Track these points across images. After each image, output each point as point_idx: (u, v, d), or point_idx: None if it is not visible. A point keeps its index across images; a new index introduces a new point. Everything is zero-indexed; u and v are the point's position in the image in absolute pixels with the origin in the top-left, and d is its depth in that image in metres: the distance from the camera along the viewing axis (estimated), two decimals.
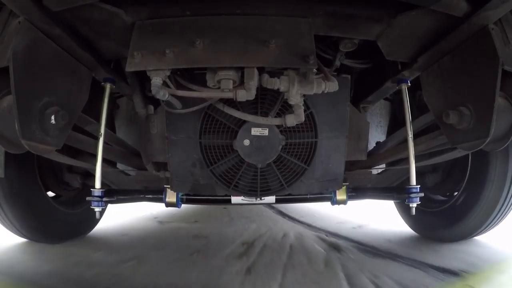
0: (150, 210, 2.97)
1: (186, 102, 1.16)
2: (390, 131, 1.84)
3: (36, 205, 1.56)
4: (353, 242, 1.75)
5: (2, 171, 1.18)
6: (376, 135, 1.85)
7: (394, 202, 2.10)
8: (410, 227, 1.98)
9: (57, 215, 1.68)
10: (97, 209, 1.20)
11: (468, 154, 1.51)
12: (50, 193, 1.73)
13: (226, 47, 0.94)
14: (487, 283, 1.19)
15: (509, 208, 1.47)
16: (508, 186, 1.41)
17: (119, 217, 2.53)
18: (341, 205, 1.48)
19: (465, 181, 1.58)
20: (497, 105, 0.89)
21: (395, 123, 1.81)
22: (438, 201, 1.80)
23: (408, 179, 1.22)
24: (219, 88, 0.99)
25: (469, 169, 1.57)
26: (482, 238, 1.69)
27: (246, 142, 1.24)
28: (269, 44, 0.93)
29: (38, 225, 1.56)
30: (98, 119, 1.18)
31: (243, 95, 0.97)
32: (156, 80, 0.95)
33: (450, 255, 1.48)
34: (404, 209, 2.01)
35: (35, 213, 1.54)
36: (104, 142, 1.18)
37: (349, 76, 1.31)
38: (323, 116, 1.30)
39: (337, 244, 1.72)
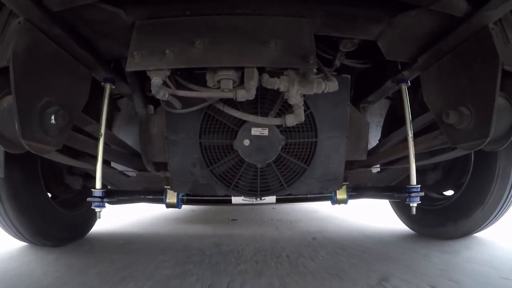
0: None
1: (186, 102, 1.16)
2: (387, 128, 1.84)
3: (38, 206, 1.52)
4: None
5: (2, 171, 1.18)
6: (376, 134, 1.85)
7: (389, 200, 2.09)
8: (407, 225, 1.95)
9: (57, 216, 1.65)
10: (98, 210, 1.20)
11: (470, 152, 1.51)
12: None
13: (226, 47, 0.94)
14: None
15: (509, 204, 1.47)
16: (510, 182, 1.41)
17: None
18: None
19: (467, 179, 1.58)
20: (497, 105, 0.89)
21: (395, 121, 1.80)
22: (439, 199, 1.79)
23: (408, 177, 1.22)
24: (219, 88, 0.99)
25: (471, 166, 1.57)
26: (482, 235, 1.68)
27: (246, 142, 1.24)
28: (269, 44, 0.93)
29: (40, 227, 1.53)
30: (97, 119, 1.18)
31: (243, 95, 0.97)
32: (156, 80, 0.95)
33: None
34: (399, 208, 1.99)
35: (37, 215, 1.50)
36: (104, 143, 1.18)
37: (349, 76, 1.31)
38: (323, 116, 1.30)
39: None
